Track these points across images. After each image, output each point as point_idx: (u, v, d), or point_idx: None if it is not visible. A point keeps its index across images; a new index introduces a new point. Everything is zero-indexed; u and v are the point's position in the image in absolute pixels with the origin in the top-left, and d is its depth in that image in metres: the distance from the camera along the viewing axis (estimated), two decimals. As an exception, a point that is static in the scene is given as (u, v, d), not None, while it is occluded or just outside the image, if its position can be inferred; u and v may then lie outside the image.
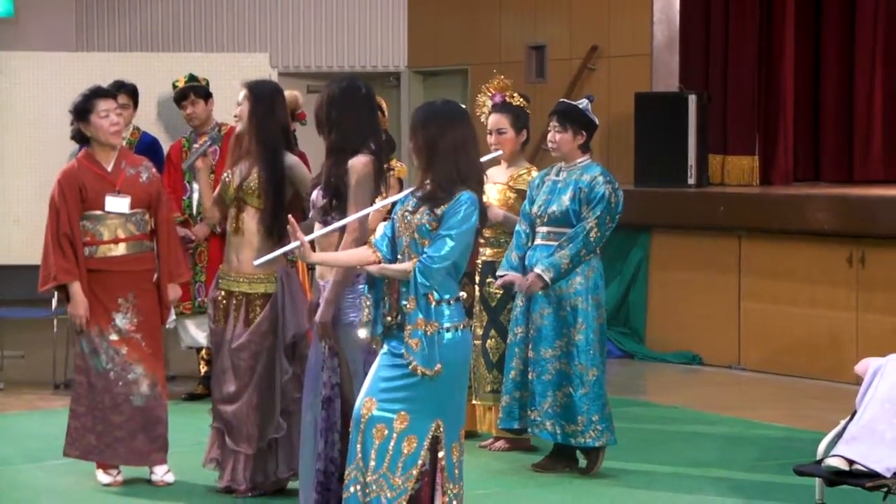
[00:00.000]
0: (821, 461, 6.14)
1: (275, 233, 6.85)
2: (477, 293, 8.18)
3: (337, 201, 6.04)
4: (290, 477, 7.02)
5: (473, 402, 8.15)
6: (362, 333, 5.55)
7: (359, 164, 6.07)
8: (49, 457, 7.95)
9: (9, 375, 10.36)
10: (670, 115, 11.79)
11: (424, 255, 5.29)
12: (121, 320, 7.25)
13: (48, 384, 10.07)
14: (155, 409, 7.32)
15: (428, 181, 5.39)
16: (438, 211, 5.33)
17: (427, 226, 5.34)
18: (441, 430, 5.37)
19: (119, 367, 7.24)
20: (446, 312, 5.34)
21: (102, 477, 7.36)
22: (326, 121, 6.14)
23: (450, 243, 5.29)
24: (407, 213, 5.42)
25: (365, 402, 5.39)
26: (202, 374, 9.85)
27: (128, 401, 7.25)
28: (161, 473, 7.39)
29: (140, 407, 7.27)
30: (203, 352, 9.83)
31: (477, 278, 8.17)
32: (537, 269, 7.50)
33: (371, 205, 5.90)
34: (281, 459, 7.00)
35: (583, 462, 7.73)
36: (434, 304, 5.31)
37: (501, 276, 7.72)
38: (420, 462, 5.35)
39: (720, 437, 8.68)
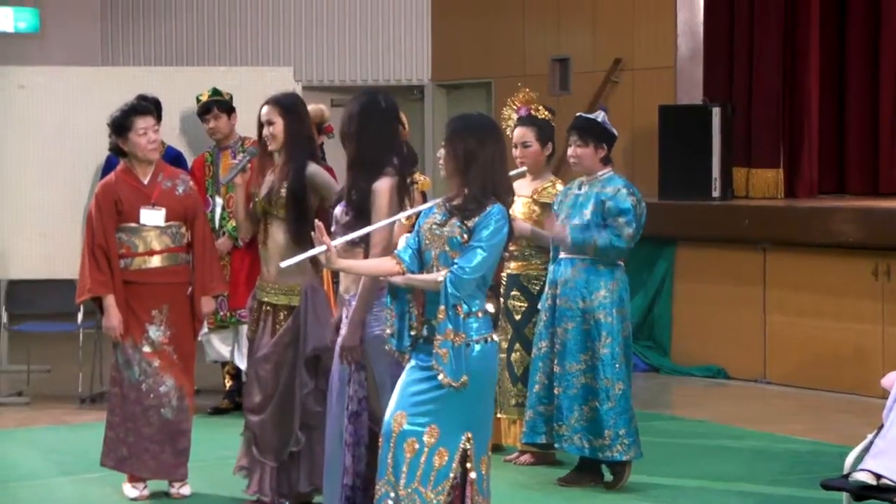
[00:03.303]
0: (848, 475, 6.12)
1: (300, 240, 6.84)
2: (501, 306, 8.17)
3: (358, 219, 6.03)
4: (311, 492, 7.01)
5: (498, 415, 8.14)
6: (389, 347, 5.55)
7: (381, 187, 6.06)
8: (77, 470, 7.98)
9: (35, 389, 10.39)
10: (694, 127, 11.77)
11: (456, 266, 5.30)
12: (154, 332, 7.29)
13: (74, 398, 10.09)
14: (182, 423, 7.35)
15: (465, 192, 5.39)
16: (470, 223, 5.34)
17: (458, 238, 5.35)
18: (471, 443, 5.38)
19: (151, 378, 7.28)
20: (474, 325, 5.35)
21: (130, 490, 7.37)
22: (347, 136, 6.15)
23: (481, 255, 5.30)
24: (435, 226, 5.43)
25: (395, 416, 5.39)
26: (227, 388, 9.87)
27: (158, 413, 7.29)
28: (178, 486, 7.41)
29: (169, 420, 7.30)
30: (228, 366, 9.84)
31: (502, 290, 8.16)
32: (568, 229, 7.50)
33: (393, 228, 5.90)
34: (302, 473, 7.00)
35: (608, 476, 7.71)
36: (463, 315, 5.31)
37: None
38: (452, 475, 5.36)
39: (746, 451, 8.65)
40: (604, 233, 7.47)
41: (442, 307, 5.30)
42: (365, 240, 5.96)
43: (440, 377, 5.31)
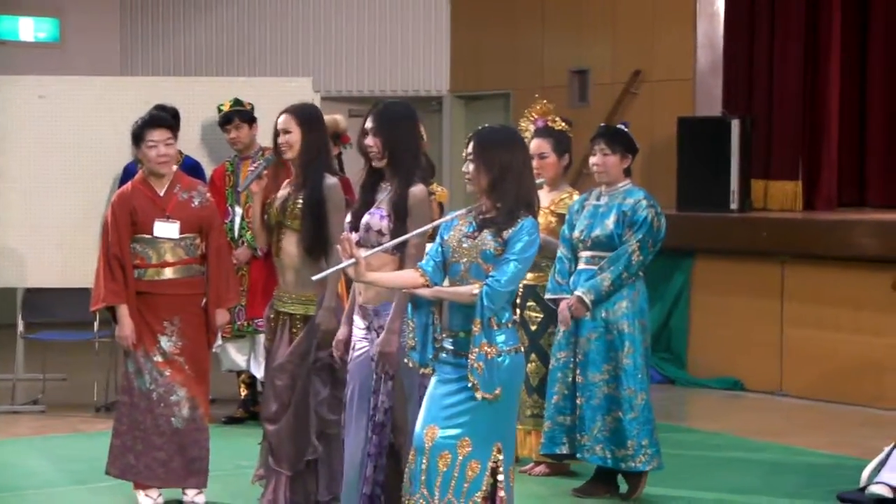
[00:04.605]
0: (864, 488, 6.11)
1: (313, 252, 6.83)
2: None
3: (400, 225, 6.03)
4: (330, 501, 7.00)
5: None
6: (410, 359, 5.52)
7: (419, 193, 6.07)
8: (92, 479, 7.97)
9: (51, 398, 10.41)
10: (713, 139, 11.76)
11: (491, 279, 5.28)
12: (166, 343, 7.29)
13: (90, 407, 10.11)
14: (193, 433, 7.34)
15: (498, 205, 5.37)
16: (504, 235, 5.32)
17: (492, 250, 5.32)
18: (501, 454, 5.38)
19: (162, 388, 7.28)
20: (504, 337, 5.34)
21: (143, 499, 7.37)
22: (395, 143, 6.12)
23: (515, 267, 5.28)
24: (464, 238, 5.40)
25: (427, 429, 5.38)
26: (242, 397, 9.87)
27: (168, 422, 7.28)
28: (192, 495, 7.40)
29: (179, 429, 7.29)
30: (243, 375, 9.85)
31: (518, 301, 8.15)
32: (578, 292, 7.51)
33: (425, 237, 5.89)
34: (321, 482, 6.98)
35: (624, 487, 7.69)
36: (495, 327, 5.31)
37: (552, 299, 7.71)
38: (484, 486, 5.35)
39: (763, 464, 8.63)
40: (607, 271, 7.47)
41: (477, 320, 5.27)
42: (399, 248, 5.95)
43: (475, 389, 5.29)
